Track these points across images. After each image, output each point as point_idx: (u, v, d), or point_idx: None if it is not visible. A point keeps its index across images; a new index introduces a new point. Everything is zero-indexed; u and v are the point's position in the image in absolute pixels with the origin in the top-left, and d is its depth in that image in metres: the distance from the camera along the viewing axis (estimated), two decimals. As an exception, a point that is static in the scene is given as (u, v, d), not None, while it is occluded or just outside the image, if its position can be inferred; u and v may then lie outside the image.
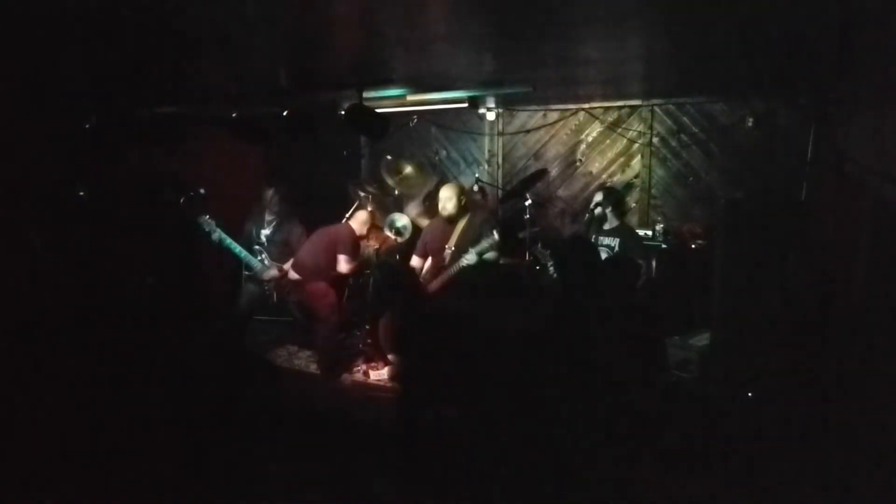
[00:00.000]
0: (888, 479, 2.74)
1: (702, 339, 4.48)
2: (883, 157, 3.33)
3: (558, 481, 2.90)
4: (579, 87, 5.20)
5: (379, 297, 4.02)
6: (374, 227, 5.62)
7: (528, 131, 6.57)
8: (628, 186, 6.11)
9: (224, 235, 5.02)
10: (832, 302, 3.97)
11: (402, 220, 5.58)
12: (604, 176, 6.26)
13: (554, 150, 6.48)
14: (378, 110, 4.38)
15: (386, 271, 3.86)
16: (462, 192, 4.87)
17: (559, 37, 2.88)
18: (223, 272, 5.60)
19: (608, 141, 6.21)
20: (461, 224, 4.82)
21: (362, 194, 5.83)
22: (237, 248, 5.08)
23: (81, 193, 4.47)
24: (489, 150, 6.78)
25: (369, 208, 5.58)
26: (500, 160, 6.75)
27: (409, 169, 6.10)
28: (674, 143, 5.92)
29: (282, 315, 5.79)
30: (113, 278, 4.65)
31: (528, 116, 6.55)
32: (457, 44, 3.05)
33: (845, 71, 3.75)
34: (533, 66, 3.84)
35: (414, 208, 6.02)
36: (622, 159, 6.18)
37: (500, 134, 6.69)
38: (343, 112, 4.39)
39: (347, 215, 5.57)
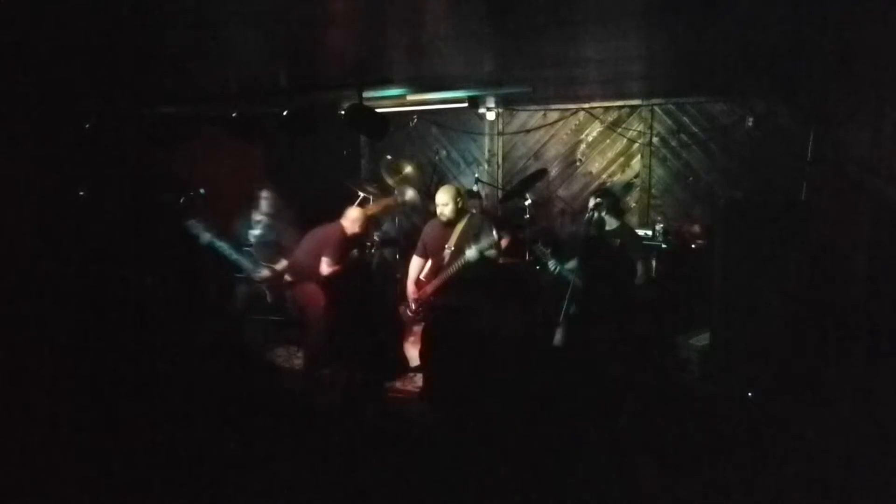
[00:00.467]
0: (888, 479, 2.74)
1: (702, 339, 4.49)
2: (883, 158, 3.33)
3: (558, 481, 2.90)
4: (579, 87, 5.20)
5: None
6: (372, 217, 5.63)
7: (528, 131, 6.57)
8: (628, 186, 6.11)
9: (214, 238, 4.98)
10: (832, 301, 3.97)
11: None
12: (604, 176, 6.26)
13: (554, 150, 6.48)
14: (378, 110, 4.38)
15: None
16: (459, 194, 4.86)
17: (559, 37, 2.88)
18: (222, 272, 5.58)
19: (608, 141, 6.22)
20: (460, 224, 4.82)
21: (362, 194, 5.83)
22: (227, 251, 5.04)
23: (81, 193, 4.46)
24: (489, 150, 6.78)
25: (359, 203, 5.60)
26: (500, 160, 6.75)
27: (409, 169, 6.11)
28: (674, 143, 5.93)
29: (281, 315, 5.78)
30: (112, 278, 4.64)
31: (528, 116, 6.55)
32: (457, 44, 3.05)
33: (845, 71, 3.75)
34: (533, 66, 3.84)
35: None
36: (622, 159, 6.18)
37: (500, 134, 6.69)
38: (343, 112, 4.38)
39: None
